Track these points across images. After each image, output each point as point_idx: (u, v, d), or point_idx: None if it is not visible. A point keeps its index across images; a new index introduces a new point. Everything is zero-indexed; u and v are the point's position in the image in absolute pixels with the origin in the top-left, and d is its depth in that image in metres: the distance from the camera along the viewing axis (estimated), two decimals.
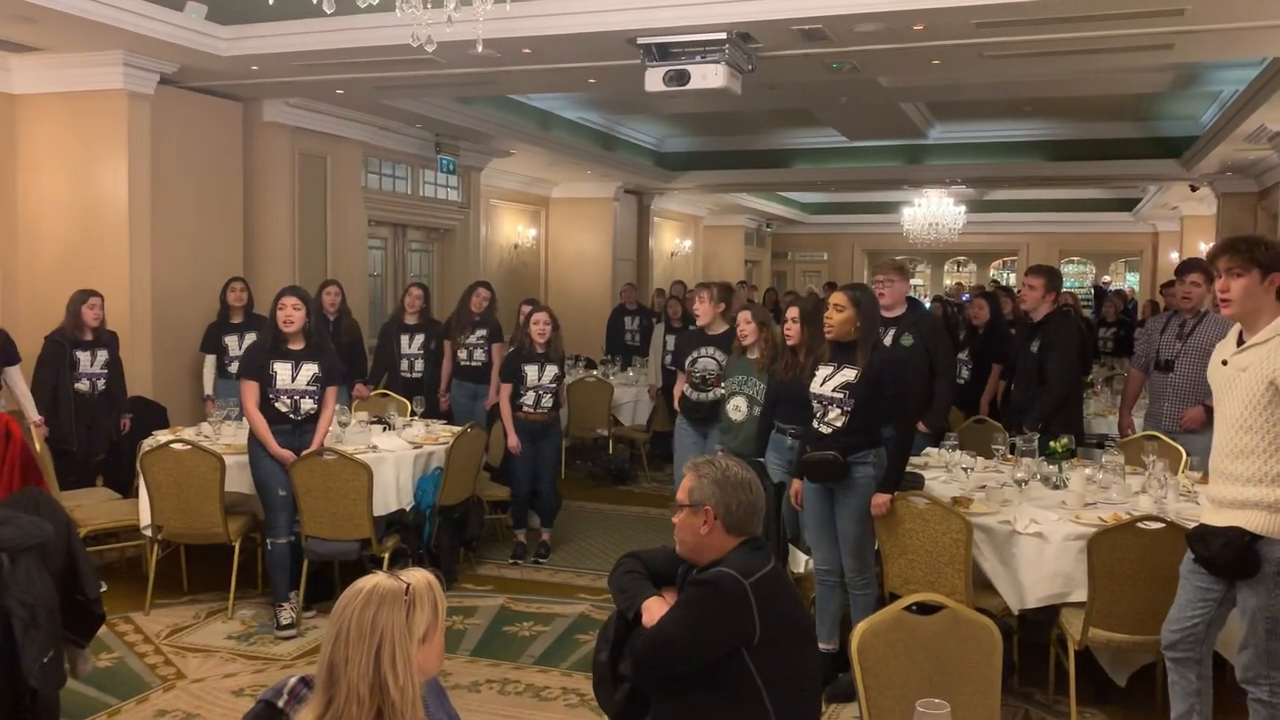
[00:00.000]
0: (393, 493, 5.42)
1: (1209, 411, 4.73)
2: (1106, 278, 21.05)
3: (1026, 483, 4.58)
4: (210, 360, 7.25)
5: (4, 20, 6.04)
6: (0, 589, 3.14)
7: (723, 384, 5.72)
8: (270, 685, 2.02)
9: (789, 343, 5.09)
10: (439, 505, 5.64)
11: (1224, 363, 3.28)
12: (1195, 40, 6.12)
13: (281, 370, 5.14)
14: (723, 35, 5.99)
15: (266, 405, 5.11)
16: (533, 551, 6.42)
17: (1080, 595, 3.92)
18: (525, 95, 9.81)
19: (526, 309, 6.69)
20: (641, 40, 6.17)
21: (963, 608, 2.83)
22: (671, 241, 17.25)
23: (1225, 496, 3.20)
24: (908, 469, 4.45)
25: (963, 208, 15.74)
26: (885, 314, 5.32)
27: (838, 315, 4.32)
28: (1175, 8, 5.45)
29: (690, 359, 6.06)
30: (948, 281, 21.64)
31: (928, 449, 5.44)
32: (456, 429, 6.14)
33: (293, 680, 1.97)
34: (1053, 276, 5.72)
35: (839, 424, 4.30)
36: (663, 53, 6.15)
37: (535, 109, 10.51)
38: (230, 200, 8.08)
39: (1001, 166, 12.58)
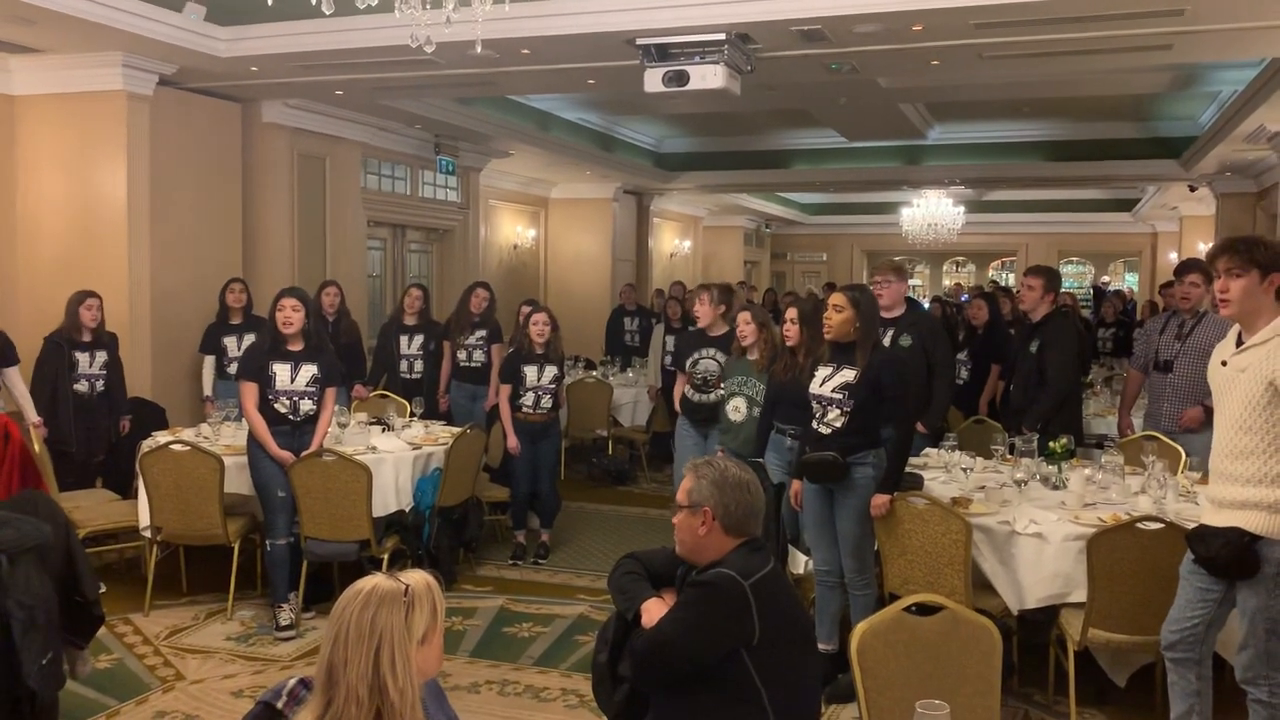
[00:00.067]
0: (392, 494, 5.41)
1: (1208, 412, 4.74)
2: (1105, 278, 21.06)
3: (1026, 483, 4.57)
4: (209, 361, 7.25)
5: (3, 21, 6.04)
6: None
7: (722, 385, 5.73)
8: (269, 686, 2.02)
9: (788, 344, 5.10)
10: (438, 506, 5.64)
11: (1223, 363, 3.28)
12: (1194, 41, 6.13)
13: (280, 371, 5.13)
14: (722, 36, 5.99)
15: (265, 406, 5.11)
16: (532, 552, 6.42)
17: (1080, 596, 3.92)
18: (524, 96, 9.81)
19: (526, 310, 6.68)
20: (640, 41, 6.17)
21: (962, 608, 2.83)
22: (671, 242, 17.25)
23: (1225, 497, 3.20)
24: (907, 469, 4.46)
25: (961, 208, 15.75)
26: (884, 315, 5.31)
27: (837, 316, 4.32)
28: (1174, 8, 5.45)
29: (692, 360, 6.06)
30: (946, 282, 21.64)
31: (927, 449, 5.44)
32: (456, 430, 6.13)
33: (292, 682, 1.97)
34: (1051, 277, 5.72)
35: (838, 425, 4.30)
36: (662, 53, 6.15)
37: (534, 110, 10.51)
38: (229, 201, 8.08)
39: (1000, 167, 12.59)
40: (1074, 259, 21.74)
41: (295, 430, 5.17)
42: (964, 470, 4.92)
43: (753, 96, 7.44)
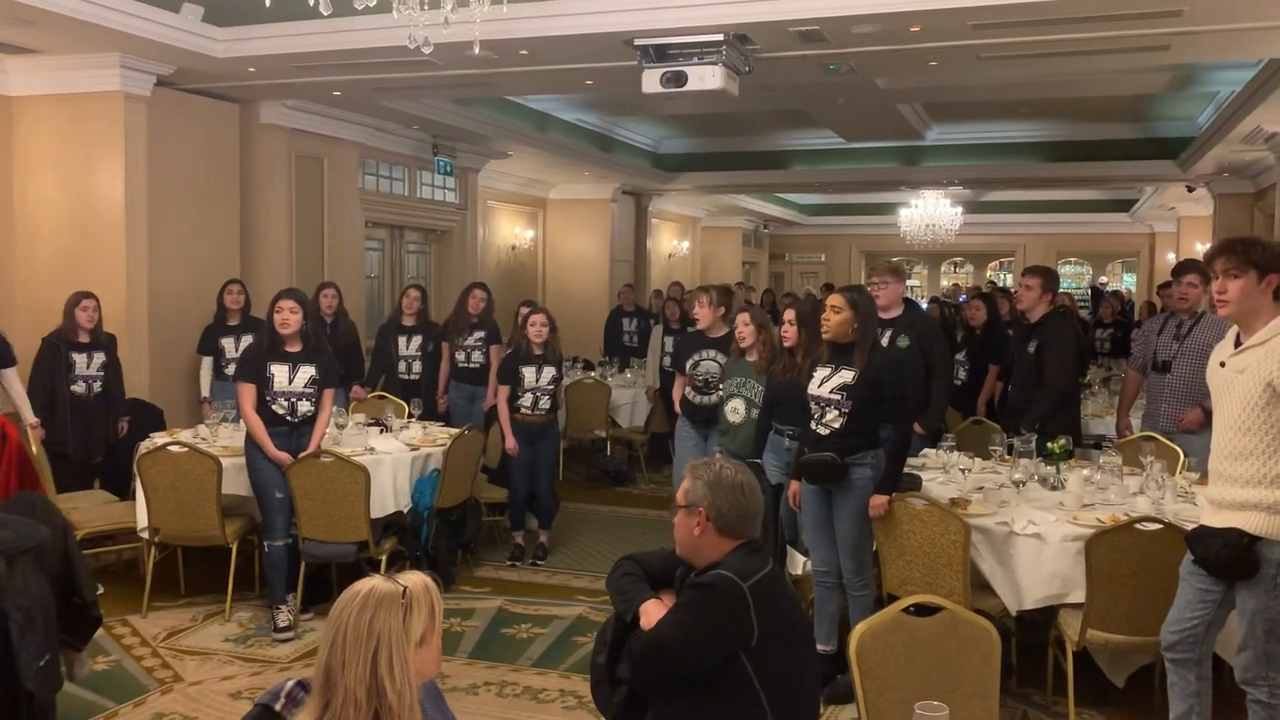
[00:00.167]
0: (390, 495, 5.41)
1: (1207, 413, 4.74)
2: (1103, 279, 21.08)
3: (1024, 484, 4.58)
4: (207, 362, 7.24)
5: (0, 22, 6.03)
6: None
7: (721, 386, 5.72)
8: (267, 688, 2.02)
9: (786, 345, 5.09)
10: (436, 507, 5.63)
11: (1222, 364, 3.28)
12: (1192, 41, 6.13)
13: (278, 372, 5.13)
14: (720, 37, 5.99)
15: (263, 407, 5.11)
16: (530, 553, 6.41)
17: (1078, 596, 3.92)
18: (522, 96, 9.81)
19: (524, 310, 6.68)
20: (639, 42, 6.16)
21: (961, 609, 2.83)
22: (669, 243, 17.25)
23: (1224, 498, 3.20)
24: (905, 470, 4.46)
25: (960, 209, 15.76)
26: (881, 315, 5.31)
27: (835, 317, 4.32)
28: (1173, 9, 5.45)
29: (692, 362, 6.05)
30: (945, 282, 21.67)
31: (925, 450, 5.43)
32: (454, 431, 6.13)
33: (290, 683, 1.97)
34: (1049, 277, 5.72)
35: (837, 425, 4.30)
36: (660, 54, 6.15)
37: (532, 110, 10.51)
38: (227, 202, 8.07)
39: (998, 168, 12.60)
40: (1072, 259, 21.76)
41: (293, 431, 5.16)
42: (962, 471, 4.93)
43: (751, 97, 7.44)
